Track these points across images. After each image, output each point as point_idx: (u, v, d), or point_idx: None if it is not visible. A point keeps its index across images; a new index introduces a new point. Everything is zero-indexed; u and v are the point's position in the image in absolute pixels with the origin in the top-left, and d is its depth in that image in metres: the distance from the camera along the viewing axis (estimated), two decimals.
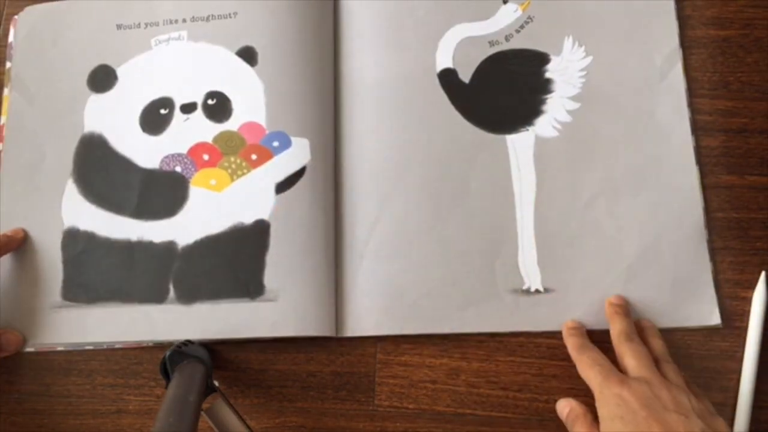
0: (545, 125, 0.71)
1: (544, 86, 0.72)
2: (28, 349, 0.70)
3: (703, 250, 0.66)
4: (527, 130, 0.71)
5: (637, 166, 0.69)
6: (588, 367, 0.59)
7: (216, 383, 0.63)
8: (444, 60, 0.73)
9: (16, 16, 0.79)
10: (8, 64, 0.78)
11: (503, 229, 0.69)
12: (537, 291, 0.67)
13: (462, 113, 0.72)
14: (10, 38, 0.78)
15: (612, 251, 0.67)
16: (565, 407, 0.62)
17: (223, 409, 0.61)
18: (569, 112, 0.71)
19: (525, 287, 0.67)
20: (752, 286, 0.66)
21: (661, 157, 0.69)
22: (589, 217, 0.68)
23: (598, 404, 0.57)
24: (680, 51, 0.71)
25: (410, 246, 0.68)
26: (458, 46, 0.73)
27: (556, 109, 0.71)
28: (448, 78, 0.72)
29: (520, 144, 0.70)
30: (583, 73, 0.71)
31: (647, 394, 0.55)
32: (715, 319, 0.65)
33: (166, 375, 0.62)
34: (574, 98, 0.71)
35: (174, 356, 0.62)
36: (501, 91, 0.72)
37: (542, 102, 0.71)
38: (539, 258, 0.68)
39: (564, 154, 0.70)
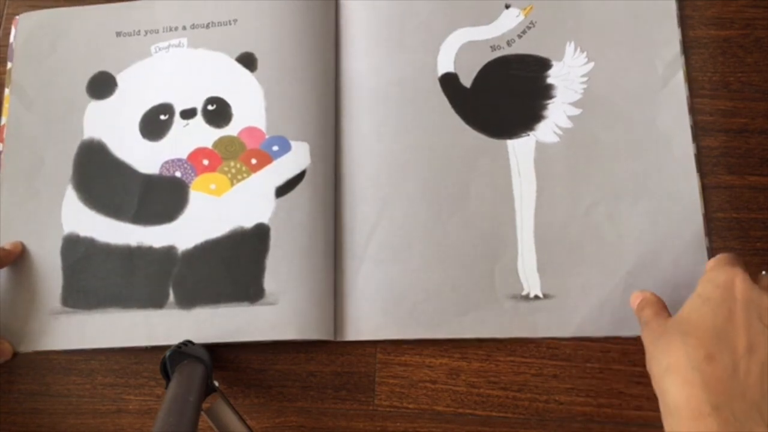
0: (546, 131, 0.70)
1: (545, 91, 0.72)
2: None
3: (703, 257, 0.66)
4: (528, 135, 0.71)
5: (638, 172, 0.69)
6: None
7: (216, 383, 0.63)
8: (445, 64, 0.73)
9: (17, 17, 0.79)
10: (9, 64, 0.78)
11: (503, 234, 0.68)
12: (536, 297, 0.67)
13: (463, 118, 0.72)
14: (11, 38, 0.79)
15: (612, 257, 0.67)
16: (638, 297, 0.61)
17: (223, 409, 0.62)
18: (570, 117, 0.71)
19: (524, 293, 0.67)
20: None
21: (662, 165, 0.68)
22: (589, 223, 0.68)
23: (700, 281, 0.56)
24: (682, 58, 0.71)
25: (409, 250, 0.68)
26: (460, 50, 0.73)
27: (557, 115, 0.71)
28: (449, 82, 0.73)
29: (520, 149, 0.70)
30: (585, 79, 0.71)
31: (751, 297, 0.53)
32: None
33: (166, 375, 0.62)
34: (575, 104, 0.71)
35: (174, 356, 0.62)
36: (502, 95, 0.72)
37: (543, 107, 0.71)
38: (539, 264, 0.68)
39: (565, 159, 0.70)
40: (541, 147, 0.70)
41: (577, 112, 0.71)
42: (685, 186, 0.68)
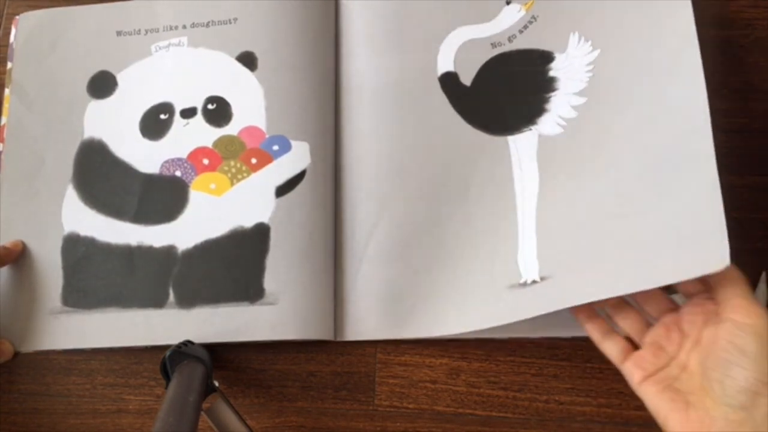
0: (549, 123, 0.68)
1: (547, 85, 0.70)
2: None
3: (722, 235, 0.54)
4: (530, 129, 0.69)
5: (648, 151, 0.61)
6: None
7: (216, 383, 0.63)
8: (445, 64, 0.72)
9: (17, 17, 0.79)
10: (9, 64, 0.78)
11: (503, 229, 0.67)
12: (534, 282, 0.63)
13: (463, 116, 0.71)
14: (11, 38, 0.79)
15: (615, 242, 0.60)
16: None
17: (223, 409, 0.62)
18: (574, 107, 0.68)
19: (522, 281, 0.64)
20: (752, 286, 0.65)
21: (674, 139, 0.60)
22: (594, 211, 0.63)
23: None
24: (694, 27, 0.63)
25: (409, 250, 0.68)
26: (460, 49, 0.73)
27: (561, 106, 0.68)
28: (448, 82, 0.72)
29: (522, 144, 0.69)
30: (590, 67, 0.68)
31: None
32: None
33: (166, 375, 0.63)
34: (580, 93, 0.68)
35: (174, 356, 0.63)
36: (503, 93, 0.71)
37: (546, 101, 0.69)
38: (539, 253, 0.65)
39: (568, 150, 0.67)
40: (543, 140, 0.68)
41: (581, 101, 0.67)
42: (701, 157, 0.57)
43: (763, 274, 0.66)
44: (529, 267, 0.65)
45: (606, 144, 0.65)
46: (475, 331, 0.64)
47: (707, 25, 0.72)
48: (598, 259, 0.60)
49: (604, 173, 0.64)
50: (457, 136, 0.70)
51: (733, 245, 0.67)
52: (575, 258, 0.62)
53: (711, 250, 0.53)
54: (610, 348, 0.59)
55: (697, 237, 0.55)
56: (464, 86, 0.72)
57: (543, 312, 0.60)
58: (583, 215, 0.63)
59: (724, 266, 0.52)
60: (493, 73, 0.72)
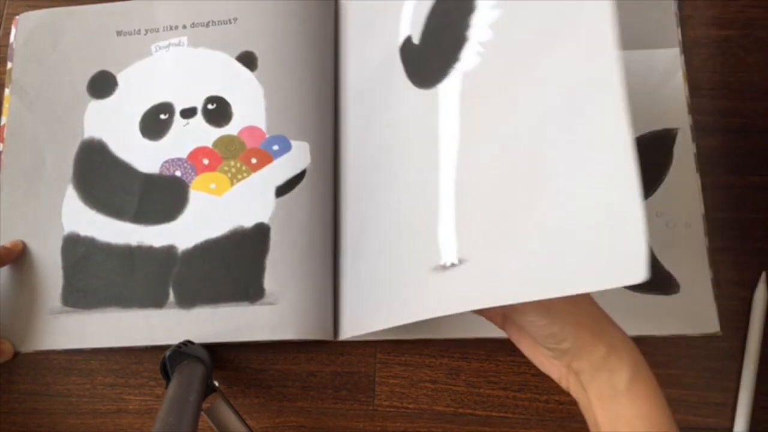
0: (469, 54, 0.52)
1: (470, 4, 0.53)
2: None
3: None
4: (454, 68, 0.54)
5: (556, 82, 0.44)
6: None
7: (216, 383, 0.63)
8: (404, 29, 0.62)
9: (17, 17, 0.79)
10: (9, 64, 0.78)
11: (429, 199, 0.54)
12: (452, 265, 0.51)
13: (413, 81, 0.60)
14: (11, 38, 0.79)
15: (525, 217, 0.45)
16: None
17: (223, 409, 0.62)
18: (490, 26, 0.51)
19: (441, 262, 0.52)
20: (752, 286, 0.66)
21: (581, 63, 0.43)
22: (507, 169, 0.47)
23: None
24: None
25: (400, 248, 0.65)
26: (416, 6, 0.61)
27: (478, 28, 0.52)
28: (404, 49, 0.62)
29: (447, 90, 0.54)
30: None
31: None
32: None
33: (166, 375, 0.63)
34: (495, 6, 0.50)
35: (174, 356, 0.63)
36: (439, 36, 0.57)
37: (467, 26, 0.53)
38: (458, 225, 0.51)
39: (486, 85, 0.51)
40: (465, 79, 0.53)
41: (496, 14, 0.50)
42: (606, 93, 0.40)
43: (763, 274, 0.66)
44: (448, 244, 0.52)
45: (518, 68, 0.48)
46: (474, 330, 0.65)
47: (707, 25, 0.72)
48: (509, 241, 0.46)
49: (521, 110, 0.47)
50: (414, 109, 0.59)
51: (733, 245, 0.67)
52: (490, 234, 0.48)
53: (625, 254, 0.39)
54: (489, 315, 0.57)
55: (608, 227, 0.40)
56: (415, 46, 0.61)
57: (460, 310, 0.48)
58: (496, 171, 0.49)
59: (640, 279, 0.37)
60: (435, 17, 0.59)
